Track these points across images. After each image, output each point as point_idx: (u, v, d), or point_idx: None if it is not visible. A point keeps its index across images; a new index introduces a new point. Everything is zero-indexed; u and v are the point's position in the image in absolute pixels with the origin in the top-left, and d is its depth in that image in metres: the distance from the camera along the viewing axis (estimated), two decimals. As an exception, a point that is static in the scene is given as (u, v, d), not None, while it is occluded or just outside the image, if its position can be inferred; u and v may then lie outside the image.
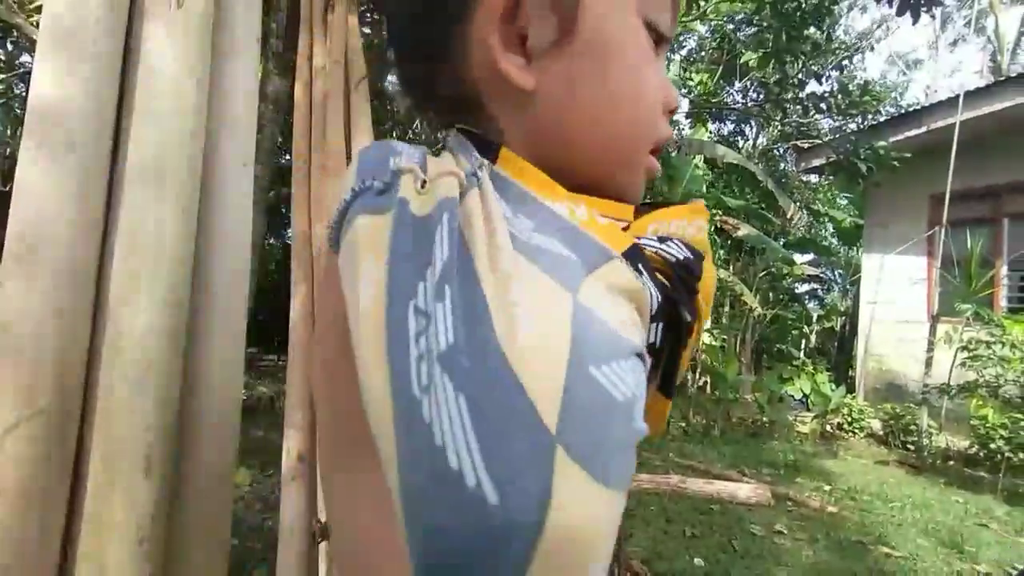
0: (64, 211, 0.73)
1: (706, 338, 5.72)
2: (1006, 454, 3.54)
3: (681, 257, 0.29)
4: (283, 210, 6.20)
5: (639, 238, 0.29)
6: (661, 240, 0.29)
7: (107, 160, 0.81)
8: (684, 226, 0.31)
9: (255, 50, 1.01)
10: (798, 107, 5.01)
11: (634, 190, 0.34)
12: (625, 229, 0.30)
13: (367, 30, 4.45)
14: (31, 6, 3.24)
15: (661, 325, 0.27)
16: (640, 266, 0.26)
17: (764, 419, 4.99)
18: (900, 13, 2.89)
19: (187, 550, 0.78)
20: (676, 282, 0.28)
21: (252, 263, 1.20)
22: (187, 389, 0.79)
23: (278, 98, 2.35)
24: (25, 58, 4.48)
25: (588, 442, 0.18)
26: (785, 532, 2.70)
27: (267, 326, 5.39)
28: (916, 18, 2.88)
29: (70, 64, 0.75)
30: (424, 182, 0.24)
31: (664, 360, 0.29)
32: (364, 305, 0.21)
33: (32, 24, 2.91)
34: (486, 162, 0.28)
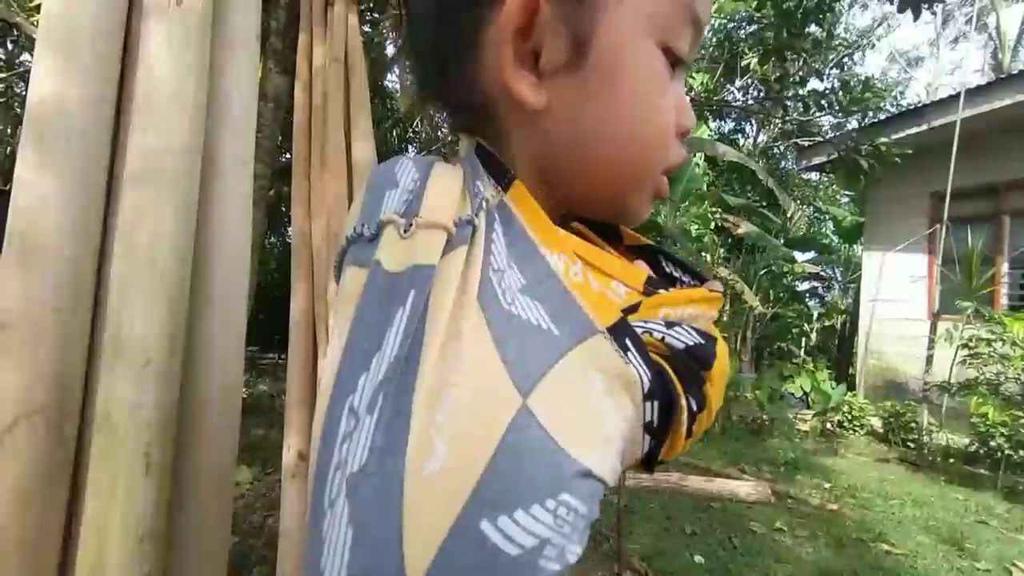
0: (63, 209, 0.73)
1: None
2: (1006, 451, 3.54)
3: (691, 343, 0.28)
4: (283, 208, 6.20)
5: (647, 321, 0.28)
6: (669, 325, 0.28)
7: (106, 158, 0.81)
8: (696, 315, 0.30)
9: (255, 49, 1.01)
10: (799, 104, 4.99)
11: (640, 210, 0.34)
12: (635, 308, 0.28)
13: (367, 28, 4.44)
14: (31, 5, 3.23)
15: (656, 404, 0.25)
16: (628, 341, 0.25)
17: (765, 417, 4.99)
18: (901, 10, 2.88)
19: (187, 549, 0.78)
20: (681, 370, 0.27)
21: (252, 261, 1.20)
22: (187, 388, 0.79)
23: (278, 96, 2.34)
24: (25, 57, 4.48)
25: None
26: (785, 529, 2.70)
27: (267, 324, 5.40)
28: (917, 15, 2.87)
29: (68, 63, 0.75)
30: (409, 226, 0.24)
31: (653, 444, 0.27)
32: (325, 380, 0.23)
33: (32, 23, 2.91)
34: (490, 198, 0.27)
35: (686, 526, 2.65)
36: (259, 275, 2.97)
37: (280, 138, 2.75)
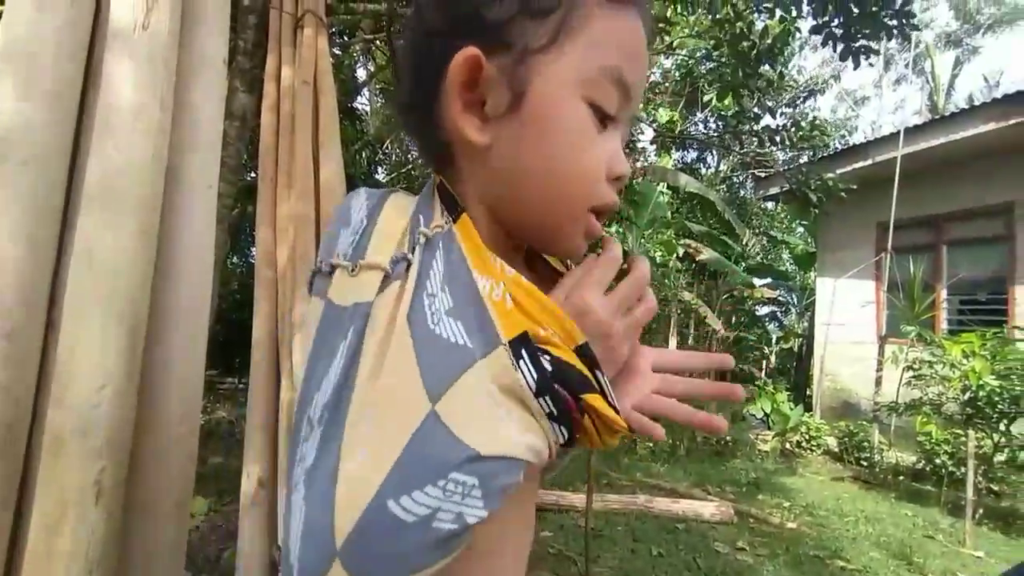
0: (17, 230, 0.71)
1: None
2: (949, 468, 3.72)
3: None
4: (247, 227, 6.04)
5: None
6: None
7: (64, 179, 0.79)
8: None
9: (222, 71, 1.01)
10: (754, 139, 5.27)
11: (574, 246, 0.39)
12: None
13: (337, 51, 4.47)
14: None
15: (548, 398, 0.31)
16: (523, 350, 0.31)
17: (728, 438, 5.09)
18: (843, 58, 3.12)
19: (137, 581, 0.75)
20: (589, 356, 0.33)
21: (214, 282, 1.18)
22: (144, 412, 0.77)
23: (244, 115, 2.32)
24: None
25: (363, 557, 0.26)
26: (747, 549, 2.75)
27: (227, 347, 5.19)
28: (856, 64, 3.11)
29: (28, 84, 0.75)
30: (355, 267, 0.32)
31: (567, 422, 0.32)
32: (287, 397, 0.35)
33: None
34: (439, 228, 0.34)
35: (652, 548, 2.66)
36: (220, 296, 2.88)
37: (245, 157, 2.71)
